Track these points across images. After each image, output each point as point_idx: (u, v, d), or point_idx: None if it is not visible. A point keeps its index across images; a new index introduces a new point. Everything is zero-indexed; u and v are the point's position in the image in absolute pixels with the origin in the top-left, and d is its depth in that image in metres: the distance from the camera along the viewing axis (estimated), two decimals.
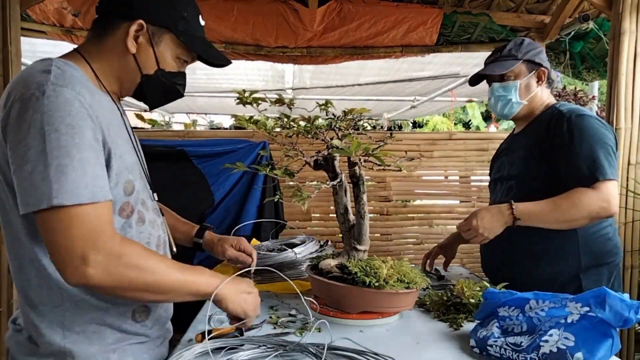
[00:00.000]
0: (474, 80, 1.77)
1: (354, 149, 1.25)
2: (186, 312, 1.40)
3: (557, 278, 1.55)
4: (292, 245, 1.91)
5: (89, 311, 0.99)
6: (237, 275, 1.11)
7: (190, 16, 1.09)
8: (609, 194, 1.44)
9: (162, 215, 1.20)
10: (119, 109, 1.10)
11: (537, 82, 1.66)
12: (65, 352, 0.97)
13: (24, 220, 0.94)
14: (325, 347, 1.03)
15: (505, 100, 1.67)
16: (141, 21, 1.02)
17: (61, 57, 1.03)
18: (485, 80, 1.75)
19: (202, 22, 1.14)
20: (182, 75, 1.14)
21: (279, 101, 1.38)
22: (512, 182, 1.67)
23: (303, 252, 1.82)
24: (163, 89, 1.11)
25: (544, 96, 1.68)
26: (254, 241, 2.37)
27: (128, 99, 1.20)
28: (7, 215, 0.97)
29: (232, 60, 1.19)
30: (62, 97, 0.88)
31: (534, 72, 1.65)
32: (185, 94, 1.20)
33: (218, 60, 1.13)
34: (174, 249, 1.22)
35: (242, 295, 1.07)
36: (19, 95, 0.88)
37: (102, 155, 0.94)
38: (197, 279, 1.00)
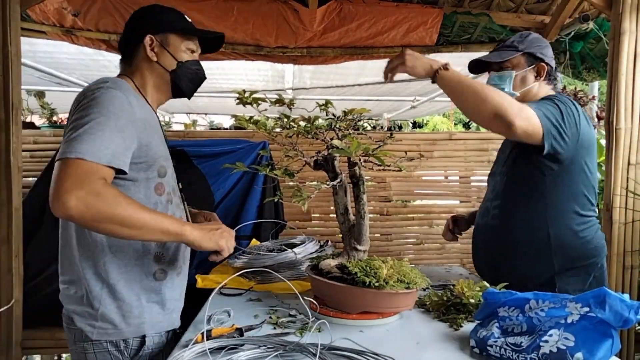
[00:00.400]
0: (474, 68, 1.74)
1: (354, 149, 1.25)
2: (186, 311, 1.41)
3: (532, 279, 1.54)
4: (292, 246, 1.91)
5: (120, 265, 1.23)
6: (237, 275, 1.15)
7: (176, 17, 1.40)
8: (530, 116, 1.39)
9: (185, 202, 1.43)
10: (156, 116, 1.39)
11: (536, 76, 1.64)
12: (97, 302, 1.22)
13: None
14: (325, 348, 1.03)
15: (498, 88, 1.60)
16: (149, 36, 1.34)
17: (113, 77, 1.32)
18: (487, 73, 1.72)
19: (188, 18, 1.43)
20: (197, 62, 1.42)
21: (279, 101, 1.38)
22: (499, 176, 1.68)
23: (303, 252, 1.82)
24: (189, 75, 1.40)
25: (540, 93, 1.65)
26: (254, 241, 2.37)
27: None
28: None
29: (223, 33, 1.48)
30: (111, 93, 1.18)
31: (533, 65, 1.63)
32: None
33: (215, 34, 1.45)
34: None
35: (211, 232, 1.23)
36: (82, 92, 1.21)
37: (131, 140, 1.18)
38: (166, 219, 1.17)
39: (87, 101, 1.16)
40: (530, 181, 1.55)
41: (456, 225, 1.94)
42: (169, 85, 1.38)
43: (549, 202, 1.53)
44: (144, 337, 1.26)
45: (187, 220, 1.42)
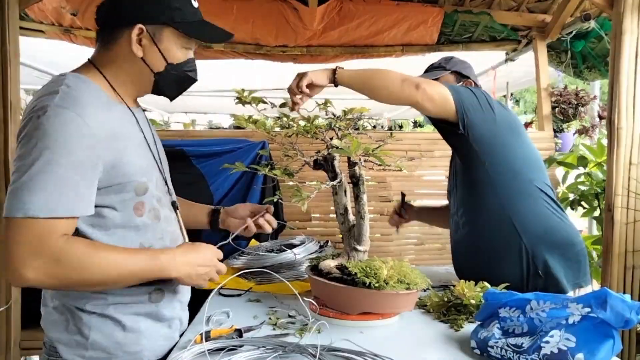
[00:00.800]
0: None
1: (354, 149, 1.24)
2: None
3: (517, 274, 1.54)
4: (292, 246, 1.90)
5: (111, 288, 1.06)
6: (236, 276, 1.12)
7: (182, 4, 1.13)
8: (433, 92, 1.46)
9: (177, 209, 1.26)
10: (134, 116, 1.16)
11: None
12: (87, 329, 1.06)
13: None
14: (325, 349, 1.03)
15: None
16: (140, 25, 1.08)
17: (76, 69, 1.11)
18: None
19: (195, 4, 1.18)
20: (191, 61, 1.20)
21: (285, 105, 1.36)
22: (455, 188, 1.75)
23: (303, 252, 1.81)
24: (177, 80, 1.18)
25: None
26: (253, 242, 2.37)
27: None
28: None
29: (232, 33, 1.23)
30: (61, 118, 0.96)
31: (461, 83, 1.76)
32: (184, 93, 1.25)
33: (218, 39, 1.22)
34: (186, 241, 1.27)
35: (196, 268, 1.11)
36: (29, 110, 0.99)
37: (93, 172, 1.00)
38: (146, 266, 1.04)
39: (31, 129, 0.95)
40: (477, 180, 1.60)
41: (404, 209, 2.01)
42: (150, 85, 1.16)
43: (500, 192, 1.56)
44: None
45: (182, 232, 1.26)
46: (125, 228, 1.08)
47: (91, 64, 1.12)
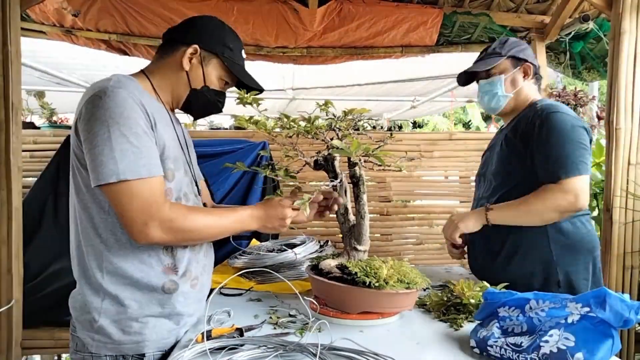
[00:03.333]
0: (463, 80, 1.81)
1: (354, 149, 1.25)
2: None
3: (532, 273, 1.57)
4: (292, 246, 1.91)
5: (124, 274, 1.17)
6: (237, 275, 1.13)
7: (235, 48, 1.34)
8: (576, 188, 1.47)
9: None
10: (170, 116, 1.31)
11: (524, 76, 1.70)
12: (97, 313, 1.16)
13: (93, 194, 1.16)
14: (326, 348, 1.03)
15: (491, 94, 1.71)
16: (196, 46, 1.28)
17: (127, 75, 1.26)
18: (476, 82, 1.79)
19: (244, 55, 1.39)
20: (223, 94, 1.37)
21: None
22: (492, 178, 1.70)
23: (303, 252, 1.82)
24: (206, 102, 1.34)
25: (530, 92, 1.71)
26: (254, 241, 2.37)
27: None
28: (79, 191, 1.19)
29: (263, 88, 1.39)
30: (119, 96, 1.12)
31: (519, 67, 1.69)
32: None
33: (254, 85, 1.35)
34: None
35: (273, 221, 1.29)
36: (88, 97, 1.14)
37: (154, 138, 1.17)
38: (235, 224, 1.26)
39: (98, 109, 1.10)
40: (523, 178, 1.58)
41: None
42: (184, 97, 1.32)
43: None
44: (143, 355, 1.17)
45: None
46: None
47: (141, 71, 1.31)
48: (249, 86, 1.34)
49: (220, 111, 1.39)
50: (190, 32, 1.30)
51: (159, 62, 1.31)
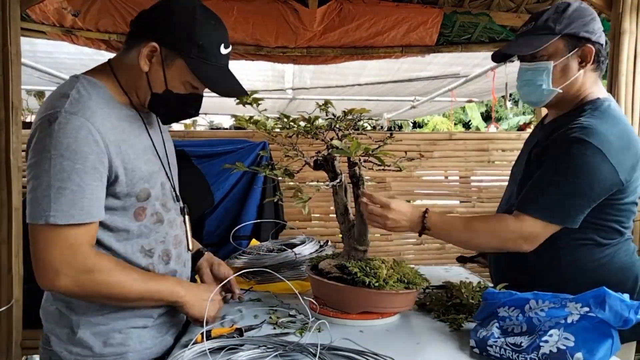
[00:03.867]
0: (499, 57, 1.44)
1: (353, 149, 1.25)
2: None
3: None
4: (292, 246, 1.91)
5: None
6: (237, 275, 1.15)
7: (208, 44, 1.10)
8: (531, 232, 1.25)
9: (186, 215, 1.28)
10: (142, 120, 1.18)
11: (580, 63, 1.30)
12: (75, 325, 1.09)
13: None
14: (325, 348, 1.03)
15: (533, 85, 1.33)
16: (154, 43, 1.07)
17: (92, 70, 1.14)
18: (517, 59, 1.41)
19: (225, 51, 1.14)
20: (194, 97, 1.16)
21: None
22: (514, 185, 1.45)
23: (303, 252, 1.82)
24: (171, 108, 1.17)
25: (586, 83, 1.32)
26: (254, 241, 2.37)
27: None
28: None
29: (247, 91, 1.22)
30: (71, 124, 0.98)
31: (576, 50, 1.28)
32: None
33: (227, 91, 1.16)
34: (190, 247, 1.29)
35: (203, 302, 1.15)
36: (40, 116, 1.02)
37: (104, 177, 1.04)
38: (161, 289, 1.11)
39: (44, 136, 0.97)
40: None
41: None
42: (147, 101, 1.14)
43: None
44: None
45: (187, 235, 1.27)
46: (126, 231, 1.12)
47: (107, 64, 1.15)
48: (219, 92, 1.13)
49: (192, 116, 1.22)
50: (151, 24, 1.09)
51: (123, 55, 1.14)
